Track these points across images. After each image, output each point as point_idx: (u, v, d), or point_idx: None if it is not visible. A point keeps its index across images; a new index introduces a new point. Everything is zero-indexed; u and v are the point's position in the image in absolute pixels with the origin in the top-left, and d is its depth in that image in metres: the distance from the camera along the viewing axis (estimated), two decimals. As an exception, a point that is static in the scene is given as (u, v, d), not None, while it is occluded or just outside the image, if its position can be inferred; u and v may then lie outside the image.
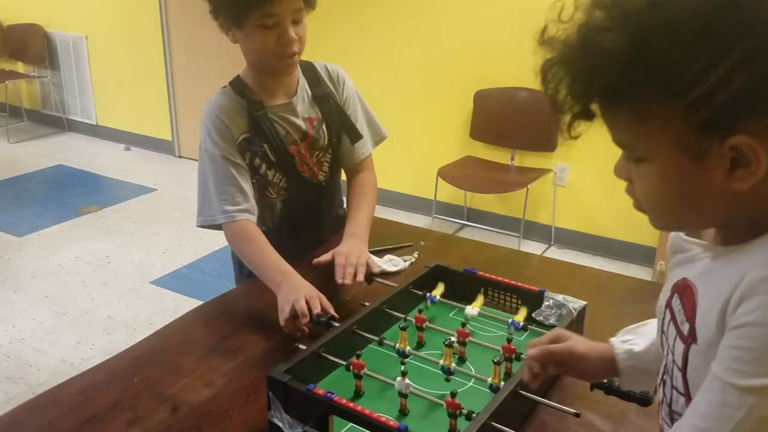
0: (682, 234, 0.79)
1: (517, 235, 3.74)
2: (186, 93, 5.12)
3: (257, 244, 1.48)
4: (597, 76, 0.64)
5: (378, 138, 1.79)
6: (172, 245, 3.75)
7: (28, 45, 5.65)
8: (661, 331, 0.81)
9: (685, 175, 0.65)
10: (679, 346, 0.75)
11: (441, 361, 1.16)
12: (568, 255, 3.73)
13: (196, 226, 1.55)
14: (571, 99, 0.67)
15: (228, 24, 1.48)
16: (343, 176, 1.79)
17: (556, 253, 3.75)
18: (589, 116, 0.69)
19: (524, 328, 1.29)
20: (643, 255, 3.54)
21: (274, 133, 1.57)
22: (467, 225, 4.06)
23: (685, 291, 0.74)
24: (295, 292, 1.32)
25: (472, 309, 1.35)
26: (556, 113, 0.69)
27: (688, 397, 0.77)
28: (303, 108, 1.63)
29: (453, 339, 1.18)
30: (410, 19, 3.96)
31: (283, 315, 1.30)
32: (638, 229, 3.58)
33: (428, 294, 1.40)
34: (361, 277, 1.43)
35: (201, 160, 1.56)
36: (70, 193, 4.54)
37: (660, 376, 0.86)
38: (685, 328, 0.73)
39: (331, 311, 1.31)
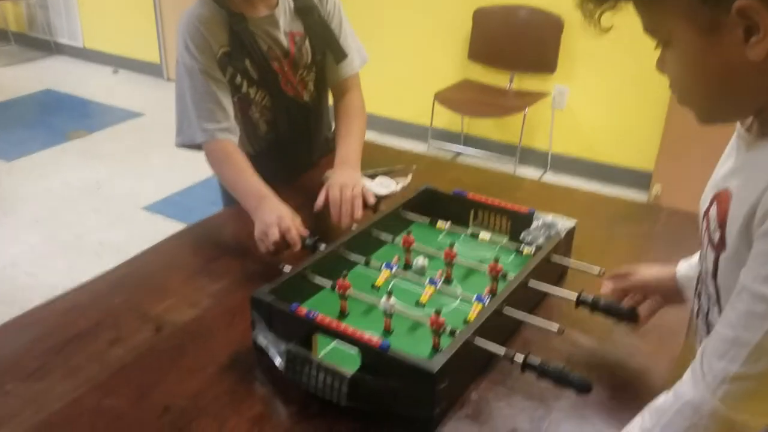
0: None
1: (514, 161, 3.70)
2: (173, 14, 4.94)
3: (236, 165, 1.43)
4: None
5: (362, 58, 1.70)
6: (162, 171, 3.71)
7: (10, -36, 5.43)
8: (701, 243, 0.81)
9: (703, 51, 0.67)
10: (711, 255, 0.76)
11: (420, 299, 1.14)
12: (563, 180, 3.70)
13: (175, 145, 1.51)
14: None
15: None
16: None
17: (551, 179, 3.72)
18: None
19: (518, 250, 1.27)
20: (639, 179, 3.51)
21: (257, 48, 1.50)
22: (464, 152, 4.00)
23: (722, 199, 0.74)
24: (270, 218, 1.26)
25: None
26: (594, 6, 0.71)
27: (720, 306, 0.78)
28: (285, 21, 1.54)
29: (436, 279, 1.15)
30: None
31: (266, 241, 1.26)
32: (635, 153, 3.53)
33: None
34: (359, 213, 1.37)
35: (178, 75, 1.49)
36: (59, 118, 4.46)
37: (696, 286, 0.87)
38: (716, 235, 0.74)
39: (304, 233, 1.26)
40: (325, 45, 1.60)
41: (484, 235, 1.34)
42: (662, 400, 0.76)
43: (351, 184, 1.41)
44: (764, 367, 0.66)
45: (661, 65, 0.74)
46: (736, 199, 0.71)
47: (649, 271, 1.07)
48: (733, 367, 0.67)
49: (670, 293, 1.04)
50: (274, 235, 1.24)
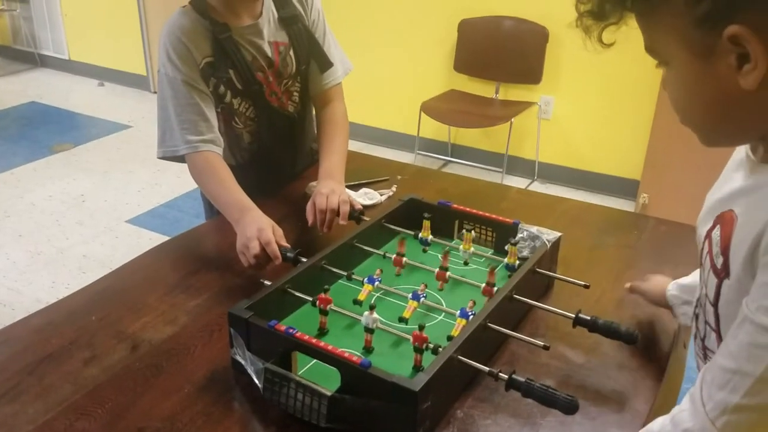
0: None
1: (501, 170, 3.69)
2: (159, 25, 4.89)
3: (219, 177, 1.40)
4: None
5: (345, 68, 1.68)
6: (148, 183, 3.67)
7: (-6, -25, 5.40)
8: (700, 263, 0.79)
9: (697, 75, 0.66)
10: (712, 280, 0.73)
11: (403, 313, 1.11)
12: (551, 189, 3.69)
13: (157, 157, 1.48)
14: (604, 3, 0.68)
15: None
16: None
17: (539, 188, 3.71)
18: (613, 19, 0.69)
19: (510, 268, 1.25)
20: (627, 188, 3.51)
21: (240, 58, 1.48)
22: (451, 161, 3.99)
23: (726, 222, 0.72)
24: (250, 231, 1.24)
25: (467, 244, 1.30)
26: (595, 23, 0.70)
27: (719, 334, 0.76)
28: (269, 31, 1.52)
29: (419, 292, 1.13)
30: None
31: (247, 255, 1.23)
32: (622, 162, 3.53)
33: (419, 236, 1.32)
34: (344, 220, 1.35)
35: (160, 86, 1.47)
36: (44, 131, 4.41)
37: (693, 309, 0.85)
38: (719, 261, 0.71)
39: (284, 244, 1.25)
40: (309, 54, 1.58)
41: (469, 246, 1.32)
42: (659, 426, 0.74)
43: (338, 192, 1.39)
44: (766, 399, 0.64)
45: (664, 85, 0.73)
46: (741, 224, 0.69)
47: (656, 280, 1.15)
48: (734, 398, 0.65)
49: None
50: (255, 248, 1.21)
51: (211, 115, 1.45)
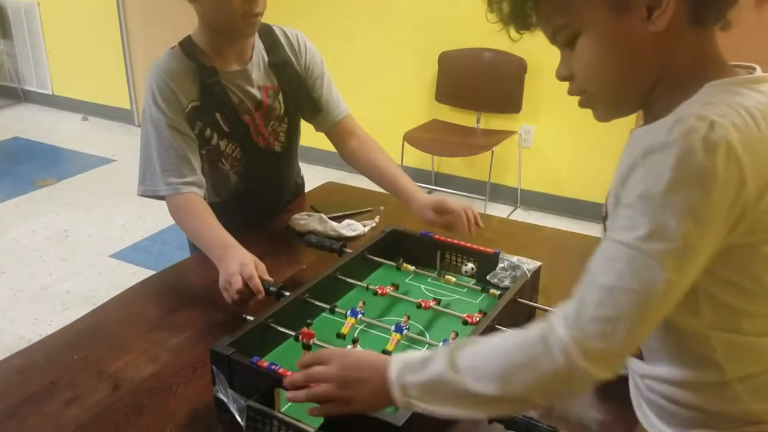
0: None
1: (484, 198, 3.72)
2: (143, 59, 4.95)
3: (199, 218, 1.40)
4: None
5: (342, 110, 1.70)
6: (131, 217, 3.66)
7: (-22, 13, 5.41)
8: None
9: (614, 29, 0.75)
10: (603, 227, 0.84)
11: (387, 346, 1.11)
12: (533, 216, 3.72)
13: (137, 194, 1.48)
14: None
15: None
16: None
17: (521, 215, 3.74)
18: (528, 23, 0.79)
19: (485, 291, 1.26)
20: (609, 215, 3.55)
21: (227, 102, 1.49)
22: (435, 189, 4.02)
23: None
24: (233, 266, 1.23)
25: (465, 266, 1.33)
26: (505, 26, 0.80)
27: None
28: (258, 75, 1.54)
29: (402, 324, 1.14)
30: (372, -22, 3.86)
31: (230, 290, 1.23)
32: (602, 189, 3.55)
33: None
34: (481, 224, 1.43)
35: (144, 126, 1.48)
36: (27, 166, 4.39)
37: None
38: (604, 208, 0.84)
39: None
40: (299, 100, 1.60)
41: (450, 277, 1.33)
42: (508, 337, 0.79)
43: (465, 205, 1.44)
44: (614, 310, 0.70)
45: (564, 68, 0.80)
46: (612, 185, 0.78)
47: None
48: (588, 309, 0.71)
49: None
50: (237, 283, 1.22)
51: (194, 158, 1.45)
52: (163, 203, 1.46)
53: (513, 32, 0.80)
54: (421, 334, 1.18)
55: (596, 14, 0.74)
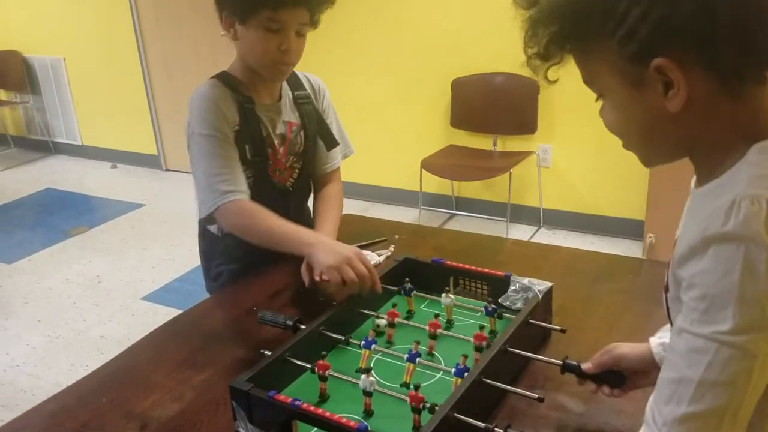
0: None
1: (505, 219, 3.73)
2: (167, 105, 5.11)
3: (272, 217, 1.44)
4: (558, 23, 0.75)
5: (347, 151, 1.79)
6: (161, 259, 3.75)
7: (8, 71, 5.64)
8: None
9: (631, 102, 0.75)
10: (663, 299, 0.82)
11: (404, 378, 1.14)
12: (558, 235, 3.72)
13: (200, 218, 1.51)
14: (548, 47, 0.77)
15: (232, 19, 1.48)
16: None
17: (545, 235, 3.73)
18: (557, 59, 0.79)
19: (498, 315, 1.27)
20: (633, 229, 3.53)
21: (258, 133, 1.56)
22: (456, 214, 4.04)
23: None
24: (345, 249, 1.30)
25: (446, 298, 1.33)
26: (541, 63, 0.80)
27: None
28: (285, 112, 1.62)
29: (415, 352, 1.15)
30: (381, 12, 3.95)
31: (346, 270, 1.27)
32: (626, 203, 3.56)
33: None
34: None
35: (194, 148, 1.51)
36: (59, 216, 4.54)
37: None
38: (665, 278, 0.81)
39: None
40: (317, 134, 1.68)
41: (464, 302, 1.35)
42: None
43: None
44: (709, 404, 0.67)
45: (602, 114, 0.81)
46: (674, 254, 0.75)
47: (625, 346, 1.07)
48: (680, 408, 0.69)
49: (642, 367, 1.03)
50: (360, 267, 1.28)
51: (241, 171, 1.51)
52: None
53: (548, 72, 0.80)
54: (435, 360, 1.20)
55: (613, 83, 0.75)
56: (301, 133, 1.64)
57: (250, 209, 1.47)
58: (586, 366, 1.08)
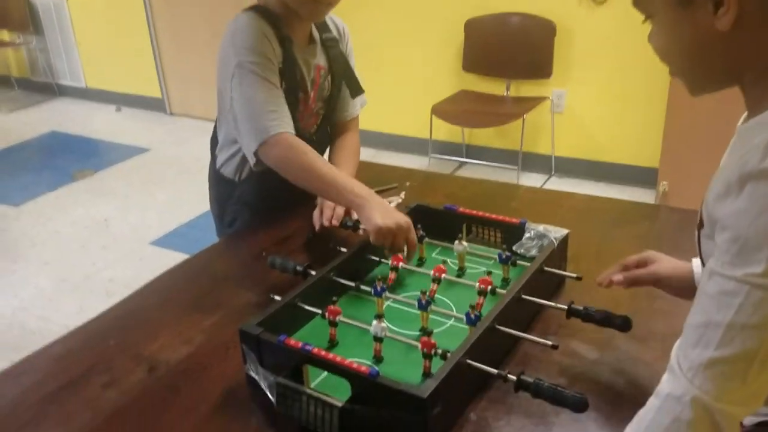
0: None
1: (516, 167, 3.68)
2: (171, 48, 5.01)
3: (315, 154, 1.38)
4: None
5: (362, 101, 1.72)
6: (169, 204, 3.73)
7: (10, 11, 5.52)
8: None
9: (680, 23, 0.74)
10: (695, 234, 0.80)
11: (422, 324, 1.12)
12: (569, 183, 3.67)
13: (252, 151, 1.39)
14: None
15: None
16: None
17: (556, 183, 3.69)
18: None
19: (512, 263, 1.24)
20: (646, 177, 3.47)
21: (293, 76, 1.48)
22: (467, 162, 3.98)
23: None
24: (400, 217, 1.24)
25: (459, 245, 1.29)
26: None
27: None
28: (317, 55, 1.55)
29: (425, 301, 1.12)
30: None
31: (398, 235, 1.22)
32: (639, 150, 3.50)
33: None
34: (336, 220, 1.41)
35: (242, 76, 1.38)
36: (65, 159, 4.51)
37: None
38: (698, 215, 0.79)
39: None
40: (343, 79, 1.61)
41: (476, 249, 1.32)
42: (648, 404, 0.75)
43: None
44: (738, 347, 0.65)
45: (650, 38, 0.79)
46: (710, 191, 0.73)
47: (666, 266, 1.06)
48: (707, 352, 0.67)
49: (683, 290, 1.03)
50: (412, 237, 1.24)
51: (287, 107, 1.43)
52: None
53: None
54: (447, 307, 1.18)
55: (661, 3, 0.74)
56: (329, 77, 1.58)
57: (301, 146, 1.38)
58: (617, 278, 1.06)
